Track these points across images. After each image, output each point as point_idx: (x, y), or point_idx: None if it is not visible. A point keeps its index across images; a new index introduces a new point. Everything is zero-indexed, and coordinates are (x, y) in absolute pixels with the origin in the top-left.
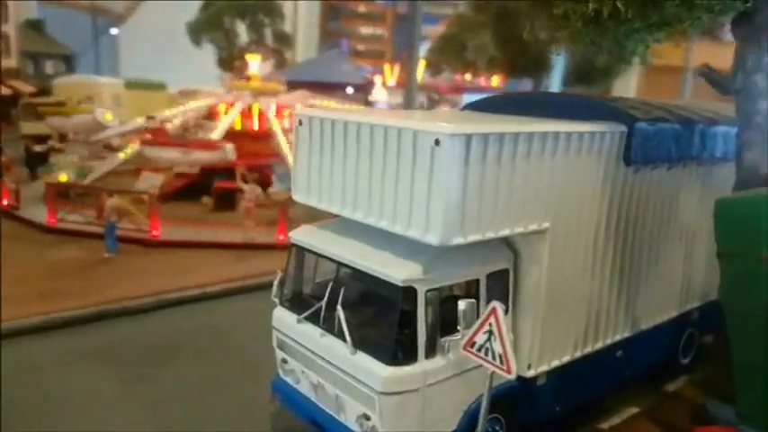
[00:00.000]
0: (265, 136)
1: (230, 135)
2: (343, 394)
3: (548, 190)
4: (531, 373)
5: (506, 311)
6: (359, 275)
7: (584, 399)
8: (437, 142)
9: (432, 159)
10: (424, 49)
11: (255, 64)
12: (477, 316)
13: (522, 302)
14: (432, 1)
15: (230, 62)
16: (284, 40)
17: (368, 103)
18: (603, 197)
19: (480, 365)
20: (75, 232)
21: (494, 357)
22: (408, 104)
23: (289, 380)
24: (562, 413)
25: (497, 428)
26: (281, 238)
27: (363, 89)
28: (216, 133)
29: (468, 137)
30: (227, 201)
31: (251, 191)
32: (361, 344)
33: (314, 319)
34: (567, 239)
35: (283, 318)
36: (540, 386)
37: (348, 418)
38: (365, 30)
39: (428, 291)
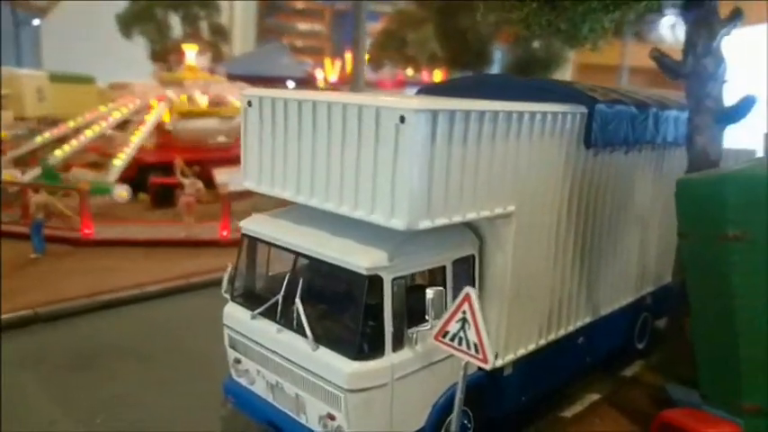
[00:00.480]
0: None
1: (163, 129)
2: (303, 393)
3: (512, 172)
4: (498, 363)
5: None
6: (318, 265)
7: (549, 387)
8: (402, 119)
9: (396, 138)
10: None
11: (192, 54)
12: (445, 305)
13: (488, 290)
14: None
15: (164, 56)
16: (221, 33)
17: None
18: (565, 180)
19: (448, 357)
20: None
21: (468, 347)
22: None
23: (242, 381)
24: (527, 403)
25: (466, 422)
26: (225, 233)
27: (305, 83)
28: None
29: (435, 113)
30: (166, 197)
31: (191, 185)
32: (323, 339)
33: (270, 314)
34: (532, 223)
35: (235, 314)
36: (506, 376)
37: (310, 419)
38: (303, 26)
39: (394, 279)
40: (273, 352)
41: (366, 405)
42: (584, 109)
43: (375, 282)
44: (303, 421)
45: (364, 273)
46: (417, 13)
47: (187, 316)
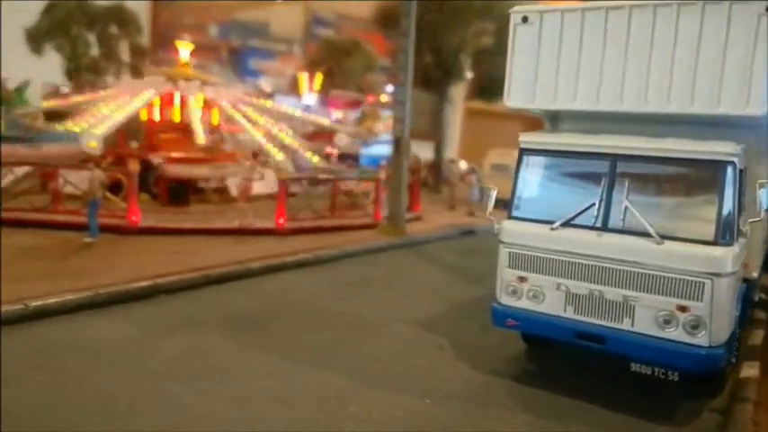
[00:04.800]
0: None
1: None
2: (636, 294)
3: None
4: (754, 275)
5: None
6: (642, 165)
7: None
8: None
9: (757, 28)
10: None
11: (186, 51)
12: None
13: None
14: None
15: (78, 74)
16: (141, 54)
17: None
18: None
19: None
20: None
21: None
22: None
23: (521, 303)
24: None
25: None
26: (281, 221)
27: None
28: None
29: None
30: (181, 195)
31: (249, 169)
32: (665, 232)
33: (581, 220)
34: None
35: (523, 230)
36: (746, 292)
37: (638, 321)
38: (195, 60)
39: (740, 168)
40: (593, 257)
41: (725, 292)
42: None
43: (731, 168)
44: (627, 327)
45: (724, 159)
46: (342, 43)
47: (304, 288)
